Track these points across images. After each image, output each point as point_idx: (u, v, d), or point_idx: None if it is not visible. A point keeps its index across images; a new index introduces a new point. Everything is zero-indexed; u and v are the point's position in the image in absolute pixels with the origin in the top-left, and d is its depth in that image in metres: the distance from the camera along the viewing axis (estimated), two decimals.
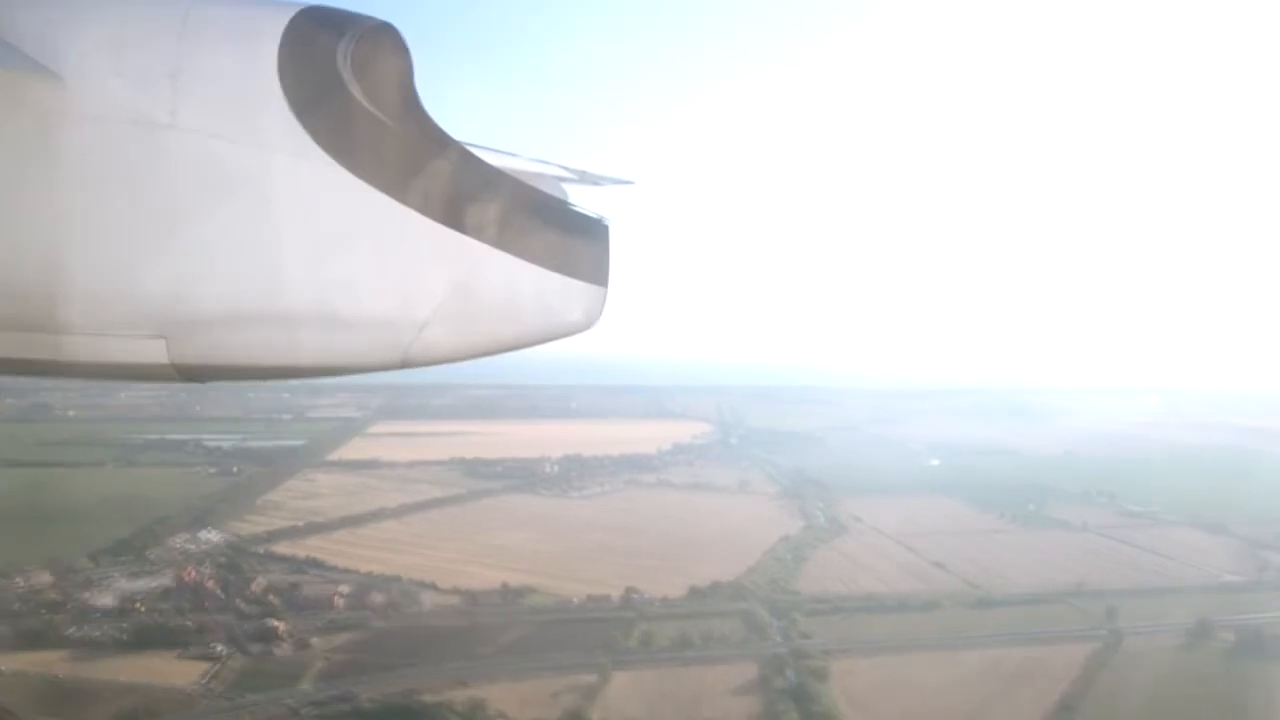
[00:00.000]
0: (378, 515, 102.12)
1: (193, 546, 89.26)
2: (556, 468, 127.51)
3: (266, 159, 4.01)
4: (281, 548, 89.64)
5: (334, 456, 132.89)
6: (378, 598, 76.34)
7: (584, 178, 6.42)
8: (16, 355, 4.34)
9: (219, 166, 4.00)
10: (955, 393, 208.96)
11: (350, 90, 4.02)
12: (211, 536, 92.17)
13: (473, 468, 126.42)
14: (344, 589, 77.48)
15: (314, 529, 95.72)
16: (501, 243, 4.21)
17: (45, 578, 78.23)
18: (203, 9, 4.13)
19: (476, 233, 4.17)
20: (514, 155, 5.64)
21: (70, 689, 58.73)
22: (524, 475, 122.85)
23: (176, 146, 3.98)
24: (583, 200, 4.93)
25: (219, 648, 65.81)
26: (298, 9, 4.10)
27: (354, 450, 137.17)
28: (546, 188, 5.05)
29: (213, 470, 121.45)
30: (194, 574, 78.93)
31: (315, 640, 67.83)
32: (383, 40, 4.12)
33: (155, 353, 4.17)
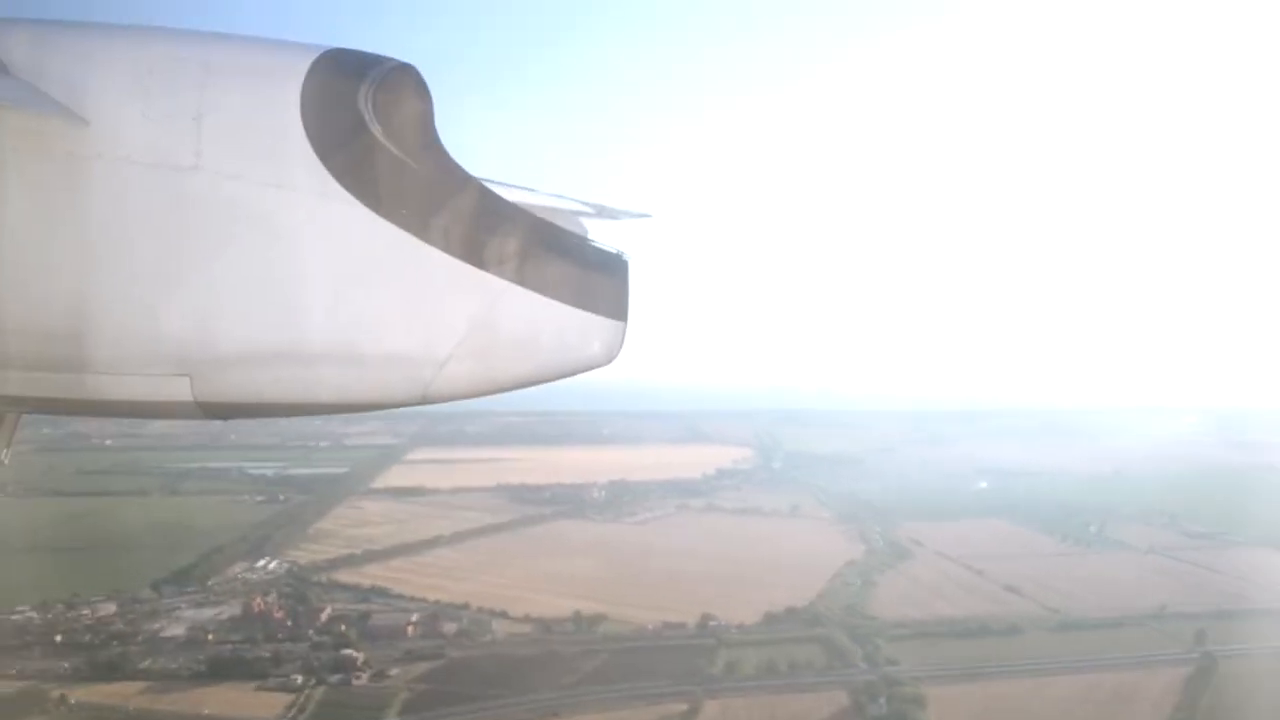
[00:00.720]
0: (433, 543, 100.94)
1: (253, 576, 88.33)
2: (603, 493, 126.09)
3: (290, 199, 4.08)
4: (342, 576, 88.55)
5: (378, 484, 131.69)
6: (450, 626, 75.23)
7: (602, 212, 6.52)
8: (44, 394, 4.43)
9: (243, 207, 4.08)
10: (985, 414, 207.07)
11: (372, 131, 4.11)
12: (271, 565, 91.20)
13: (518, 494, 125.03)
14: (414, 618, 76.33)
15: (371, 557, 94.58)
16: (521, 279, 4.27)
17: (110, 608, 77.34)
18: (226, 52, 4.28)
19: (496, 269, 4.24)
20: (532, 191, 5.76)
21: None
22: (572, 501, 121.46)
23: (201, 188, 4.05)
24: (601, 235, 5.01)
25: (297, 678, 64.66)
26: (320, 51, 4.21)
27: (396, 477, 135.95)
28: (565, 223, 5.16)
29: (259, 498, 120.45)
30: (262, 603, 77.92)
31: (394, 670, 66.61)
32: (404, 81, 4.24)
33: (180, 391, 4.23)
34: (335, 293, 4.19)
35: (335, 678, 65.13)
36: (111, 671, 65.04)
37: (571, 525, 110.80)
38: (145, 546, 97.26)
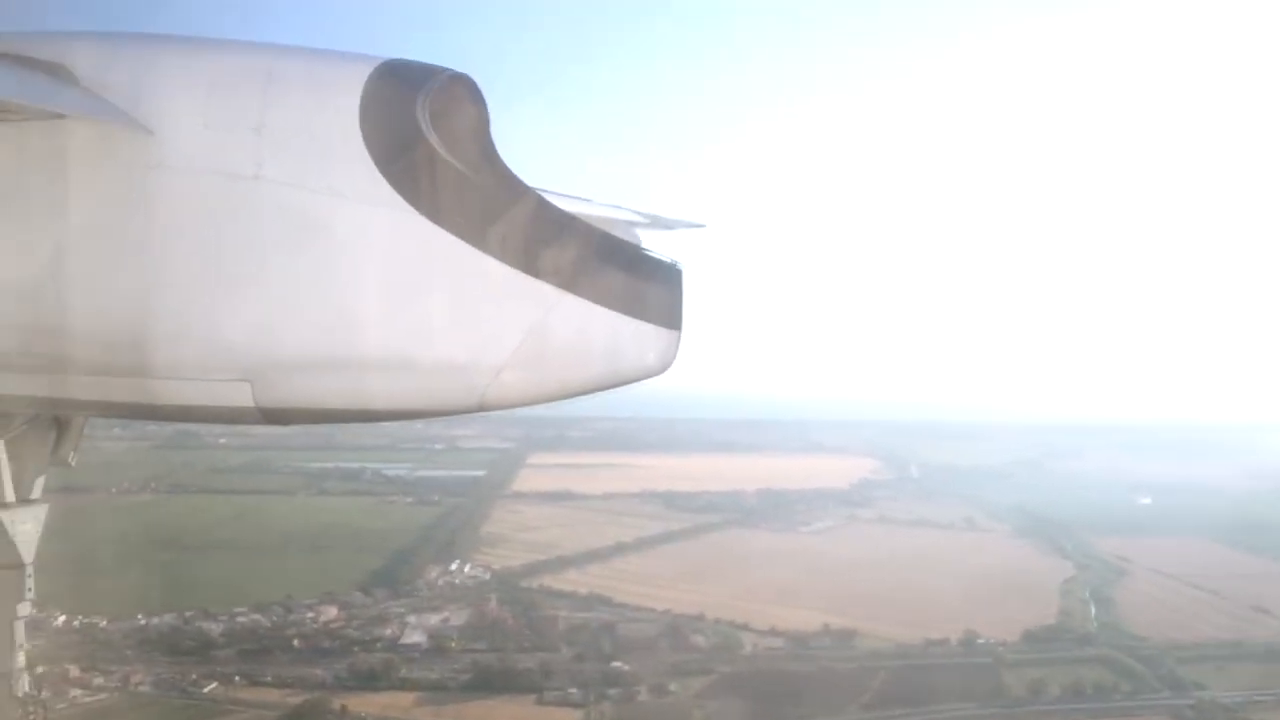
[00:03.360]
0: (618, 549, 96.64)
1: (455, 580, 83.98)
2: (756, 501, 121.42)
3: (348, 208, 4.10)
4: (546, 581, 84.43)
5: (520, 488, 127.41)
6: (698, 639, 70.67)
7: (656, 222, 6.91)
8: (108, 399, 4.54)
9: (303, 216, 4.12)
10: (1110, 429, 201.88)
11: (429, 140, 4.12)
12: (465, 569, 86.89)
13: (671, 500, 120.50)
14: (655, 628, 71.93)
15: (565, 562, 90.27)
16: (576, 287, 4.23)
17: (331, 611, 73.03)
18: (286, 63, 4.32)
19: (551, 278, 4.21)
20: (587, 200, 5.92)
21: None
22: (730, 509, 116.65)
23: (262, 196, 4.09)
24: (655, 245, 5.06)
25: (572, 691, 60.22)
26: (378, 62, 4.23)
27: (533, 481, 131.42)
28: (619, 232, 5.20)
29: (409, 500, 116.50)
30: (494, 610, 73.66)
31: (672, 685, 62.04)
32: (460, 91, 4.26)
33: (241, 396, 4.25)
34: (393, 300, 4.20)
35: (613, 691, 60.67)
36: (373, 680, 60.77)
37: (748, 533, 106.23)
38: (327, 547, 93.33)
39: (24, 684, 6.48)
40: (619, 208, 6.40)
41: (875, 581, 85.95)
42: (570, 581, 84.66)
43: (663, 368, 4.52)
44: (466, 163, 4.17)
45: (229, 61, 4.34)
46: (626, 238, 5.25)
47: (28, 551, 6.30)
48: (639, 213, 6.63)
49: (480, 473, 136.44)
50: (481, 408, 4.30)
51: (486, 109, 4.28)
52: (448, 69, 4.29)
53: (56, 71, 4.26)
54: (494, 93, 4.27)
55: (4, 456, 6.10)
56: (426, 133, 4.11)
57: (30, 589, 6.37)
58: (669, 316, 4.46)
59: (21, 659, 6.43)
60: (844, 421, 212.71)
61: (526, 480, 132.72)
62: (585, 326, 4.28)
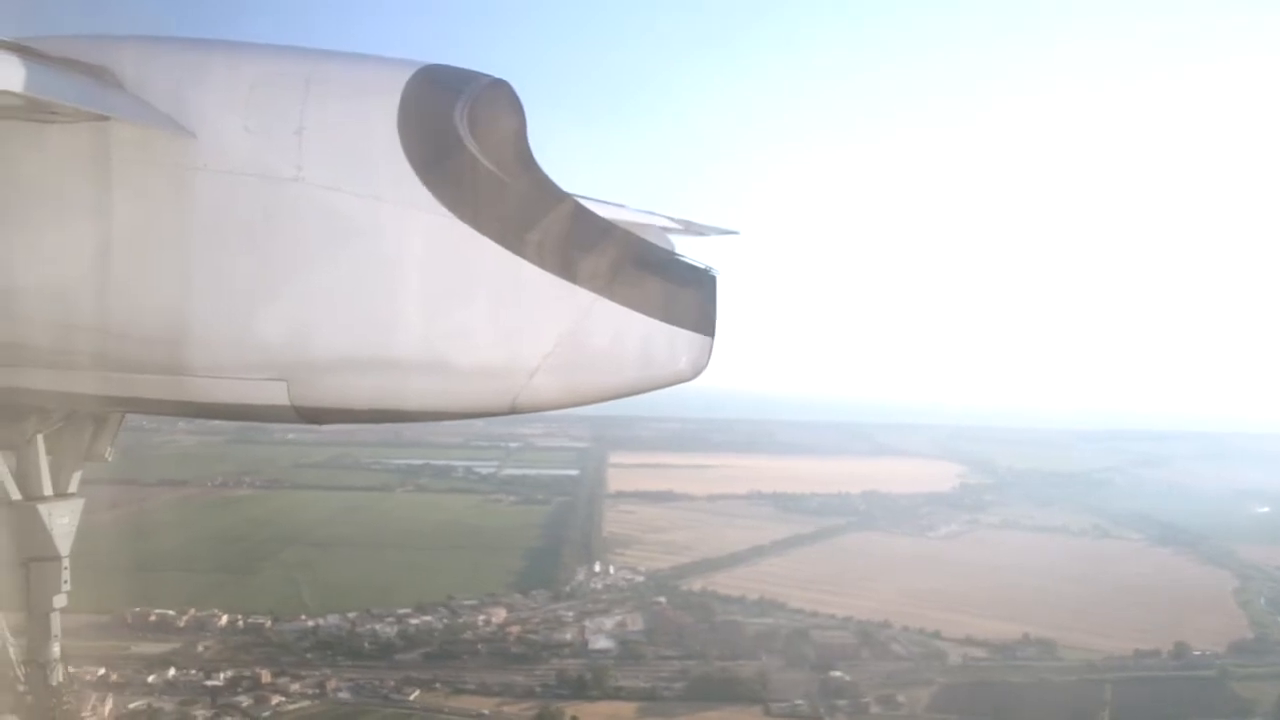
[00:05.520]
0: (758, 551, 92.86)
1: (607, 582, 79.70)
2: (863, 504, 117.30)
3: (386, 211, 4.12)
4: (698, 584, 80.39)
5: (620, 488, 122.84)
6: (897, 647, 66.40)
7: (690, 228, 7.05)
8: (147, 395, 4.58)
9: (341, 218, 4.14)
10: (1178, 436, 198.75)
11: (467, 145, 4.12)
12: (610, 570, 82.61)
13: (782, 503, 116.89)
14: (846, 635, 67.68)
15: (711, 565, 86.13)
16: (610, 292, 4.23)
17: (500, 613, 68.67)
18: (326, 68, 4.32)
19: (586, 283, 4.21)
20: (621, 206, 6.11)
21: None
22: (843, 512, 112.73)
23: (301, 199, 4.12)
24: (689, 251, 5.10)
25: (799, 703, 55.88)
26: (416, 67, 4.24)
27: (631, 481, 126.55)
28: (653, 238, 5.47)
29: (512, 499, 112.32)
30: (673, 615, 69.33)
31: (899, 697, 57.69)
32: (498, 97, 4.26)
33: (277, 394, 4.28)
34: (429, 303, 4.22)
35: (842, 702, 56.34)
36: (584, 688, 56.31)
37: (878, 537, 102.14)
38: (454, 546, 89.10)
39: (59, 674, 6.42)
40: (653, 214, 6.54)
41: (1045, 590, 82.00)
42: (724, 584, 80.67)
43: (695, 373, 4.46)
44: (503, 168, 4.16)
45: (270, 66, 4.33)
46: (660, 243, 5.38)
47: (64, 544, 6.25)
48: (673, 219, 6.81)
49: (574, 472, 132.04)
50: (514, 410, 4.30)
51: (524, 115, 4.27)
52: (486, 75, 4.29)
53: (100, 74, 4.26)
54: (531, 99, 4.27)
55: (42, 451, 6.10)
56: (464, 137, 4.10)
57: (66, 581, 6.31)
58: (702, 322, 4.39)
59: (57, 649, 6.40)
60: (898, 424, 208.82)
61: (624, 480, 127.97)
62: (619, 331, 4.26)
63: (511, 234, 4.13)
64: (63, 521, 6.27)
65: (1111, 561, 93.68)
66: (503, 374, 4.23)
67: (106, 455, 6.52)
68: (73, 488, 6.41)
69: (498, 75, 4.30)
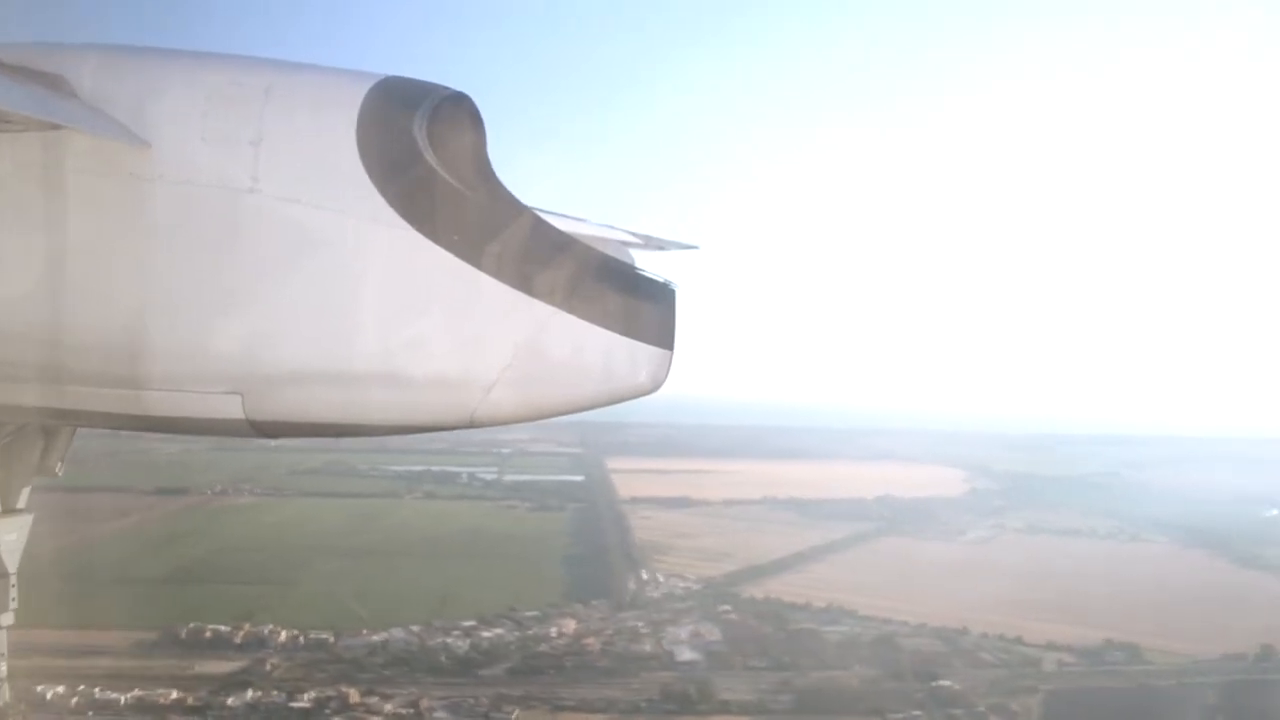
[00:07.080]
0: (800, 558, 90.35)
1: (662, 590, 76.37)
2: (878, 508, 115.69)
3: (344, 223, 4.04)
4: (753, 590, 77.53)
5: (630, 494, 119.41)
6: (985, 655, 64.29)
7: (649, 242, 7.05)
8: (100, 409, 4.44)
9: (298, 230, 4.05)
10: (1141, 441, 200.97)
11: (425, 157, 4.06)
12: (659, 578, 79.30)
13: (800, 508, 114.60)
14: (933, 643, 65.47)
15: (760, 572, 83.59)
16: (569, 306, 4.17)
17: (569, 624, 64.93)
18: (285, 79, 4.22)
19: (545, 296, 4.15)
20: (581, 220, 6.08)
21: None
22: (863, 516, 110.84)
23: (258, 210, 4.03)
24: (650, 265, 4.98)
25: (917, 714, 53.31)
26: (376, 79, 4.19)
27: (637, 487, 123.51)
28: (613, 252, 5.13)
29: (527, 505, 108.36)
30: (750, 624, 66.40)
31: (1013, 705, 55.45)
32: (458, 110, 4.20)
33: (231, 408, 4.18)
34: (386, 316, 4.14)
35: (958, 712, 53.92)
36: (690, 703, 52.92)
37: (911, 542, 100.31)
38: (483, 553, 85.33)
39: (4, 693, 6.17)
40: (613, 228, 6.45)
41: (1107, 594, 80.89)
42: (782, 591, 77.81)
43: (654, 386, 4.40)
44: (463, 180, 4.10)
45: (228, 76, 4.23)
46: (620, 257, 5.27)
47: (11, 561, 6.07)
48: (633, 233, 6.73)
49: (579, 477, 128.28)
50: (473, 424, 4.22)
51: (484, 128, 4.23)
52: (445, 87, 4.23)
53: (55, 83, 4.17)
54: (490, 111, 4.21)
55: None
56: (423, 150, 4.04)
57: (14, 598, 6.11)
58: (662, 335, 4.35)
59: (3, 668, 6.16)
60: (882, 430, 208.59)
61: (632, 485, 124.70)
62: (578, 344, 4.19)
63: (470, 247, 4.07)
64: (10, 538, 6.11)
65: (1155, 564, 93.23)
66: (460, 387, 4.16)
67: (57, 470, 6.27)
68: (21, 503, 6.20)
69: (457, 89, 4.23)
